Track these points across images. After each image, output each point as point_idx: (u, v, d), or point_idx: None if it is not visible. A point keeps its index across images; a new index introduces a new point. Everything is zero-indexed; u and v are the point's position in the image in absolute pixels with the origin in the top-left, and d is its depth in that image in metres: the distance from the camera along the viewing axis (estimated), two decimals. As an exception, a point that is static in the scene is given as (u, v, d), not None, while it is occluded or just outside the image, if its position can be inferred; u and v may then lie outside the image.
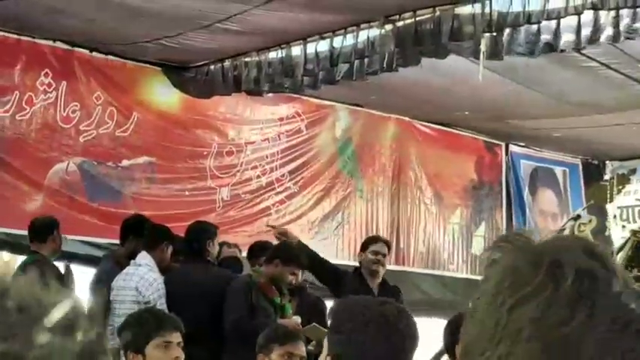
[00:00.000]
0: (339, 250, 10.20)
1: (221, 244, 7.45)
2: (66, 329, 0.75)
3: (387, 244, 7.43)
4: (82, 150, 8.36)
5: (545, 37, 6.17)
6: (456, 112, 9.83)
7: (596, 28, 6.09)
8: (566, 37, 6.18)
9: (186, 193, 9.05)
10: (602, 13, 5.98)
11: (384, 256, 7.12)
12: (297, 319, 6.55)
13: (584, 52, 6.79)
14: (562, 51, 6.35)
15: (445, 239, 11.16)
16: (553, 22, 6.08)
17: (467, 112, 9.78)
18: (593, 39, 6.17)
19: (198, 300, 6.51)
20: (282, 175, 9.83)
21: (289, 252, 6.74)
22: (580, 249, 0.98)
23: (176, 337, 4.07)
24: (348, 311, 2.55)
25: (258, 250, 7.37)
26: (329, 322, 2.60)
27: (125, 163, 8.62)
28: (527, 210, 11.88)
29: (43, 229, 6.72)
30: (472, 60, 6.65)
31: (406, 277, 10.53)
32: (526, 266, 0.99)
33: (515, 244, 1.03)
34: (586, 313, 0.93)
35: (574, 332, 0.93)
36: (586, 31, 6.11)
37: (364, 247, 7.28)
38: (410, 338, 2.50)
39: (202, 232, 6.88)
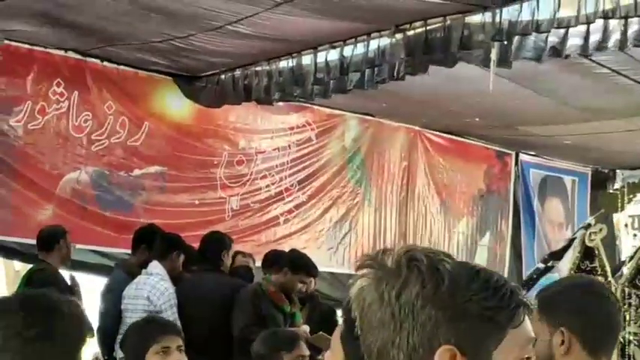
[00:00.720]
0: (346, 260, 10.21)
1: (235, 253, 7.49)
2: None
3: None
4: (94, 159, 8.38)
5: (553, 39, 6.17)
6: (466, 119, 9.83)
7: (606, 36, 6.09)
8: (573, 42, 6.18)
9: (196, 202, 9.06)
10: (613, 21, 5.98)
11: None
12: (306, 327, 6.57)
13: (593, 58, 6.79)
14: (567, 56, 6.35)
15: (449, 249, 11.13)
16: (562, 29, 6.09)
17: (477, 119, 9.78)
18: (601, 46, 6.17)
19: (210, 309, 6.54)
20: (292, 185, 9.84)
21: (298, 260, 6.76)
22: (418, 247, 1.38)
23: (175, 342, 4.01)
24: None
25: (272, 258, 7.42)
26: (341, 321, 2.44)
27: (136, 172, 8.63)
28: (537, 219, 11.87)
29: (49, 239, 6.77)
30: (482, 67, 6.66)
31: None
32: (391, 269, 1.36)
33: (375, 263, 1.39)
34: (450, 277, 1.33)
35: (448, 289, 1.32)
36: (594, 38, 6.11)
37: None
38: None
39: (218, 243, 6.93)
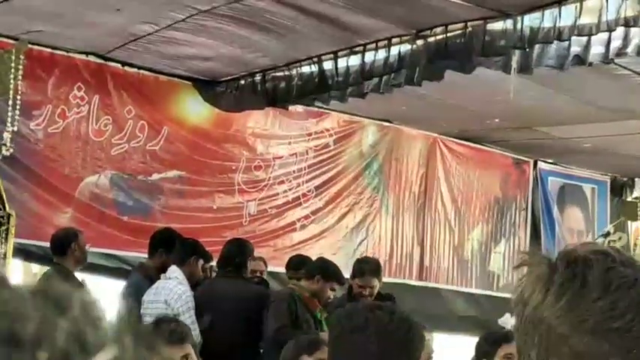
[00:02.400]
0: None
1: None
2: None
3: (376, 273, 6.99)
4: (113, 163, 8.41)
5: (575, 49, 6.16)
6: (486, 119, 9.78)
7: (626, 43, 6.08)
8: (596, 50, 6.17)
9: (214, 207, 9.07)
10: (634, 29, 5.96)
11: (372, 287, 6.80)
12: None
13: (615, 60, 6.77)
14: (590, 64, 6.34)
15: (464, 255, 11.12)
16: (584, 37, 6.08)
17: (497, 120, 9.73)
18: (622, 52, 6.16)
19: (231, 314, 6.54)
20: (309, 191, 9.84)
21: (329, 268, 6.78)
22: (592, 247, 1.27)
23: (179, 352, 3.82)
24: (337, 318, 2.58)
25: (296, 263, 7.44)
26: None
27: (155, 176, 8.66)
28: (557, 227, 11.81)
29: (62, 243, 6.77)
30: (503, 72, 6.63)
31: (431, 292, 10.57)
32: (560, 268, 1.24)
33: (537, 258, 1.30)
34: (578, 287, 1.20)
35: (569, 301, 1.20)
36: (615, 44, 6.10)
37: (352, 275, 6.96)
38: (404, 342, 2.45)
39: (244, 250, 6.95)
